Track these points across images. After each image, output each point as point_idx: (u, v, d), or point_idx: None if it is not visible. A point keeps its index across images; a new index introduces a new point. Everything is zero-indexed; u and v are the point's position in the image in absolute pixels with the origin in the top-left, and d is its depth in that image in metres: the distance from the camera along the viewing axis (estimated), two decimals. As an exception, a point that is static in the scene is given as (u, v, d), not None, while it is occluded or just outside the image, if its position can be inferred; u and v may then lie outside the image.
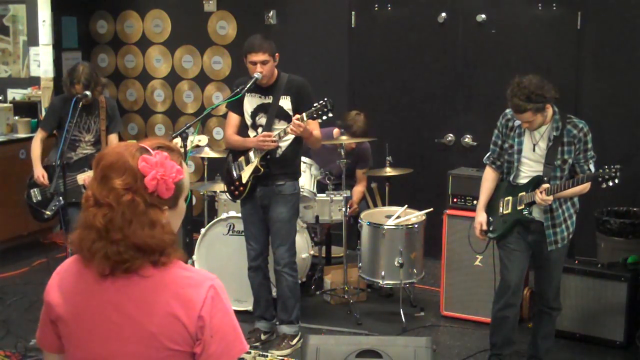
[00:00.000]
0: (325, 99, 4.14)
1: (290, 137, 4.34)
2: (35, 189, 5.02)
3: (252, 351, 3.84)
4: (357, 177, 5.72)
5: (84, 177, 4.81)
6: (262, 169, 4.34)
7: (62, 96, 5.01)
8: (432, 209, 5.15)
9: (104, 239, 1.66)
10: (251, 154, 4.39)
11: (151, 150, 1.72)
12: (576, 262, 4.74)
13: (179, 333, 1.68)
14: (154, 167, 1.68)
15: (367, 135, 5.48)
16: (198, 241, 5.10)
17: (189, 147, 4.06)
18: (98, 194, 1.68)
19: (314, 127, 4.36)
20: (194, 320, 1.68)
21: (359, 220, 5.16)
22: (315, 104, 4.16)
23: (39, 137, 5.03)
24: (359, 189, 5.70)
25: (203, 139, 5.63)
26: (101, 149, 4.84)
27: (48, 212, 4.96)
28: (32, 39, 6.99)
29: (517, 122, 3.86)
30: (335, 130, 5.54)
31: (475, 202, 4.40)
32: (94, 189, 1.70)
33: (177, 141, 4.09)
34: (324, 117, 4.16)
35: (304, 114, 4.17)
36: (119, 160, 1.69)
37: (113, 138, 5.04)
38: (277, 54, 4.32)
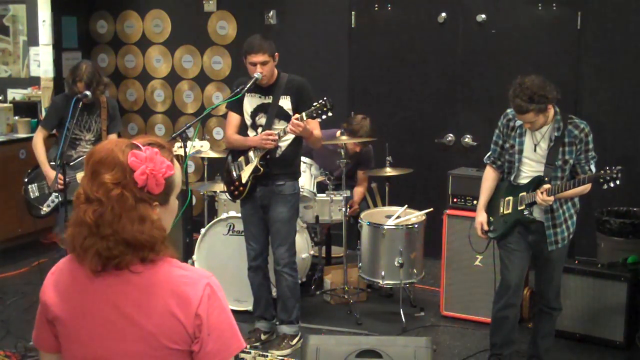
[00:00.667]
0: (325, 98, 4.13)
1: (290, 137, 4.34)
2: (33, 185, 4.99)
3: (252, 351, 3.83)
4: (358, 177, 5.72)
5: None
6: (261, 169, 4.34)
7: (64, 95, 5.00)
8: (432, 209, 5.14)
9: (94, 235, 1.66)
10: (251, 153, 4.39)
11: (141, 146, 1.72)
12: (576, 262, 4.74)
13: (176, 332, 1.68)
14: (144, 162, 1.68)
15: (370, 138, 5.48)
16: (198, 241, 5.10)
17: (189, 151, 3.99)
18: (89, 190, 1.68)
19: (314, 126, 4.35)
20: (192, 319, 1.68)
21: (359, 220, 5.16)
22: (314, 104, 4.16)
23: (40, 136, 5.01)
24: (360, 190, 5.70)
25: (205, 145, 5.60)
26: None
27: (45, 209, 4.93)
28: (32, 39, 7.00)
29: (518, 122, 3.85)
30: (338, 133, 5.54)
31: (475, 202, 4.40)
32: (85, 185, 1.70)
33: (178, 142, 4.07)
34: (324, 117, 4.15)
35: (303, 114, 4.16)
36: (109, 156, 1.69)
37: (112, 138, 5.03)
38: (276, 54, 4.31)
